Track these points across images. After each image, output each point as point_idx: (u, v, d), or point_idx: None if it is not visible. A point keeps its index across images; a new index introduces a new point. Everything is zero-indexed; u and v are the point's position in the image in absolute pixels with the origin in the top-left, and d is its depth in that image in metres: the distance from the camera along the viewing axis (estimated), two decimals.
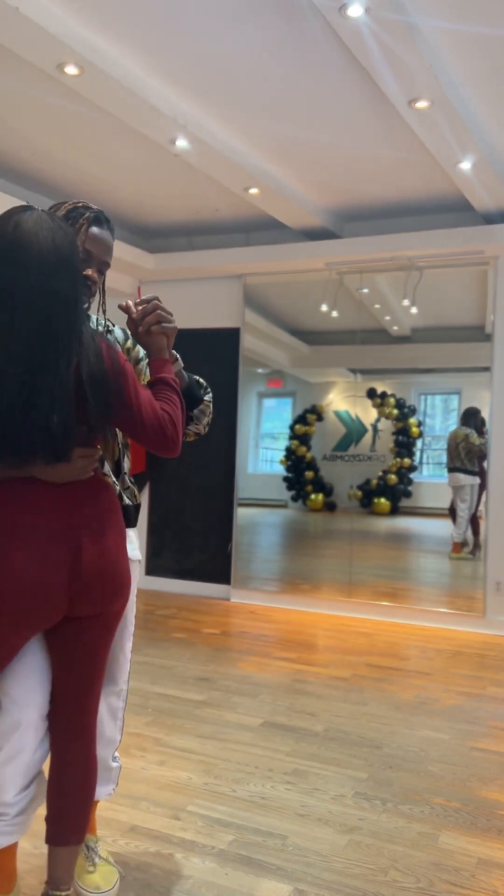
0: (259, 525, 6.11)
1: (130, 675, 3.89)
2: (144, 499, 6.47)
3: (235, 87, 3.63)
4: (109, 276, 6.04)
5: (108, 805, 2.50)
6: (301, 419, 6.03)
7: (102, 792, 2.06)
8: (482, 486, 5.50)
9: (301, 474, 6.04)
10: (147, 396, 1.68)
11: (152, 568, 6.44)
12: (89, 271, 1.79)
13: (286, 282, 5.95)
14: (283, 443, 6.09)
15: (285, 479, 6.10)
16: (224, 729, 3.20)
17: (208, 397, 2.08)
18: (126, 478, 1.97)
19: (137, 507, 2.01)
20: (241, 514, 6.11)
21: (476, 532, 5.55)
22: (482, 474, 5.47)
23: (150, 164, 4.63)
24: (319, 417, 5.97)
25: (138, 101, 3.58)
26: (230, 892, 2.04)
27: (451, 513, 5.56)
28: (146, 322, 1.80)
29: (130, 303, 1.82)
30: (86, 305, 1.83)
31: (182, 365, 1.97)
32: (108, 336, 1.96)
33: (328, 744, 3.08)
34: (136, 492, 2.01)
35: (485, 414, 5.37)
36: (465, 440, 5.47)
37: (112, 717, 2.03)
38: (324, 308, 5.83)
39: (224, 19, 3.06)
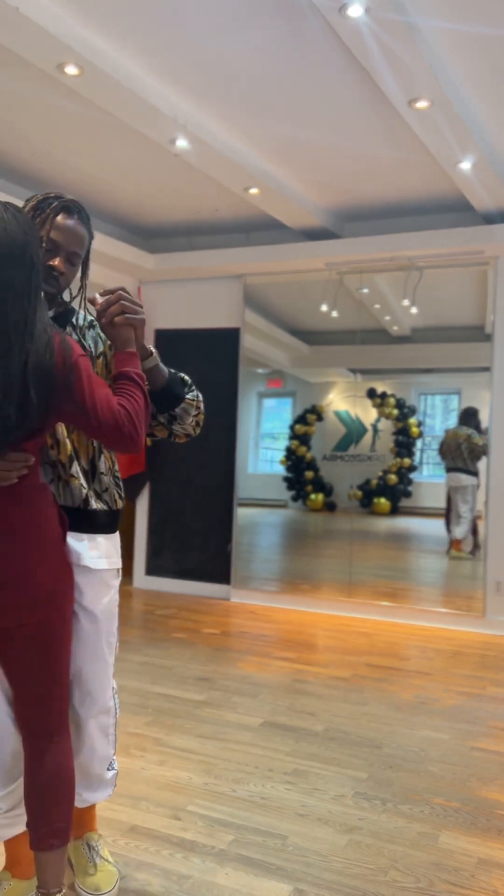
0: (259, 525, 6.11)
1: (128, 677, 3.89)
2: (144, 499, 6.47)
3: (235, 87, 3.63)
4: (109, 276, 6.04)
5: (108, 805, 2.50)
6: (301, 419, 6.03)
7: (100, 796, 2.01)
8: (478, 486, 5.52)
9: (301, 474, 6.04)
10: (104, 392, 1.62)
11: (152, 568, 6.44)
12: (55, 261, 1.75)
13: (286, 282, 5.95)
14: (283, 443, 6.10)
15: (285, 479, 6.10)
16: (224, 729, 3.20)
17: (192, 395, 1.98)
18: (105, 479, 1.89)
19: (113, 512, 1.90)
20: (241, 514, 6.11)
21: (475, 532, 5.55)
22: (478, 474, 5.48)
23: (150, 164, 4.63)
24: (319, 417, 5.97)
25: (138, 101, 3.59)
26: (230, 892, 2.04)
27: (447, 513, 5.56)
28: (109, 313, 1.74)
29: (97, 295, 1.78)
30: (56, 296, 1.80)
31: (158, 360, 1.90)
32: (91, 330, 1.92)
33: (328, 744, 3.08)
34: (118, 495, 1.93)
35: (484, 414, 5.37)
36: (468, 440, 5.47)
37: (104, 735, 1.95)
38: (324, 308, 5.83)
39: (224, 19, 3.06)
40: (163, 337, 6.43)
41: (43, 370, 1.54)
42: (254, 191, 4.74)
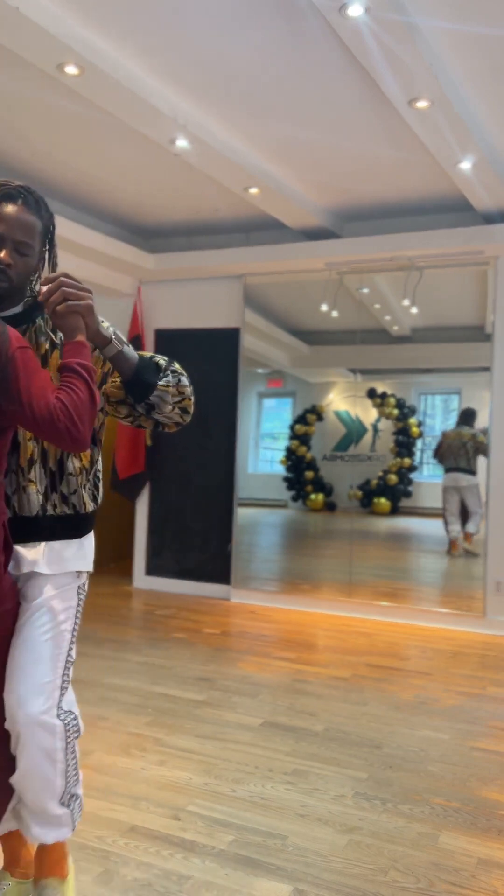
0: (259, 525, 6.11)
1: (128, 677, 3.89)
2: (144, 499, 6.46)
3: (235, 87, 3.63)
4: (109, 276, 6.04)
5: (108, 805, 2.50)
6: (301, 419, 6.03)
7: (51, 836, 1.73)
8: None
9: (301, 474, 6.04)
10: (40, 385, 1.54)
11: (152, 568, 6.44)
12: (1, 254, 1.65)
13: (286, 282, 5.95)
14: (283, 443, 6.10)
15: (285, 479, 6.10)
16: (224, 729, 3.20)
17: (166, 380, 1.81)
18: (73, 480, 1.77)
19: (81, 516, 1.79)
20: (241, 514, 6.11)
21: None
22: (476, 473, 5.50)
23: (150, 164, 4.63)
24: (319, 417, 5.97)
25: (138, 101, 3.58)
26: (230, 892, 2.04)
27: (444, 513, 5.57)
28: (51, 302, 1.63)
29: (41, 283, 1.66)
30: (9, 291, 1.70)
31: (120, 347, 1.76)
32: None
33: (328, 744, 3.08)
34: (91, 496, 1.82)
35: (484, 413, 5.37)
36: (474, 439, 5.48)
37: (47, 759, 1.65)
38: (324, 308, 5.83)
39: (224, 19, 3.06)
40: (163, 337, 6.43)
41: None
42: (254, 191, 4.74)
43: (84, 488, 1.79)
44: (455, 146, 3.95)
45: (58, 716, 1.67)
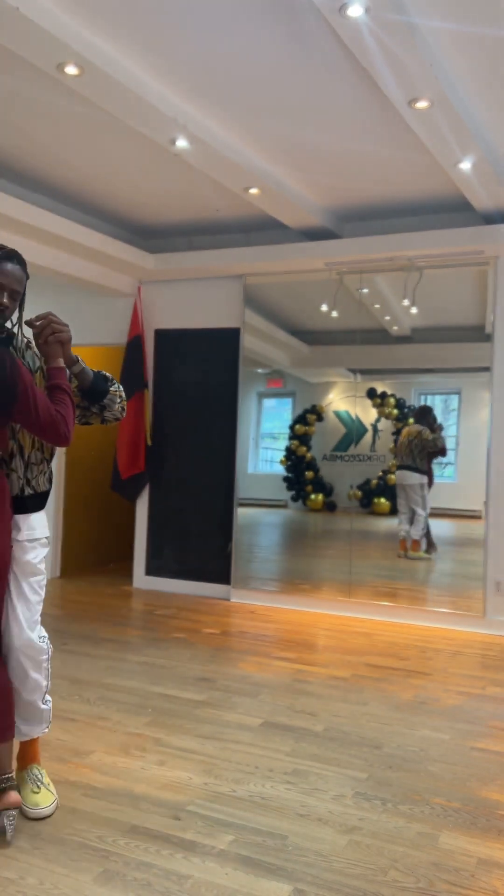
0: (259, 525, 6.11)
1: (128, 677, 3.89)
2: (144, 499, 6.47)
3: (235, 87, 3.63)
4: (109, 276, 6.06)
5: (108, 805, 2.50)
6: (301, 419, 6.03)
7: (36, 730, 2.49)
8: (430, 485, 5.56)
9: (301, 474, 6.04)
10: (44, 399, 2.17)
11: (152, 568, 6.44)
12: (2, 298, 2.23)
13: (286, 282, 5.95)
14: (283, 443, 6.10)
15: (285, 479, 6.10)
16: (224, 729, 3.20)
17: (114, 387, 2.55)
18: (35, 468, 2.41)
19: (40, 494, 2.44)
20: (241, 514, 6.11)
21: (427, 531, 5.59)
22: (430, 474, 5.52)
23: (151, 164, 4.63)
24: (319, 417, 5.97)
25: (138, 101, 3.59)
26: (230, 892, 2.04)
27: (398, 511, 5.64)
28: (44, 334, 2.30)
29: (32, 319, 2.29)
30: (1, 326, 2.30)
31: (83, 365, 2.45)
32: (28, 350, 2.42)
33: (328, 744, 3.08)
34: (45, 481, 2.45)
35: (484, 414, 5.37)
36: (419, 436, 5.50)
37: (36, 667, 2.43)
38: (324, 308, 5.83)
39: (224, 19, 3.06)
40: (163, 337, 6.44)
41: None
42: (254, 191, 4.74)
43: (44, 474, 2.45)
44: (455, 146, 3.95)
45: (40, 639, 2.44)
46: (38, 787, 2.47)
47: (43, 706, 2.49)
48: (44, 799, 2.44)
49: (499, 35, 3.12)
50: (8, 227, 4.97)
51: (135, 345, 6.31)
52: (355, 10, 2.74)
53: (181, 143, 4.04)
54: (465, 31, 3.09)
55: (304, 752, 2.98)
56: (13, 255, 2.27)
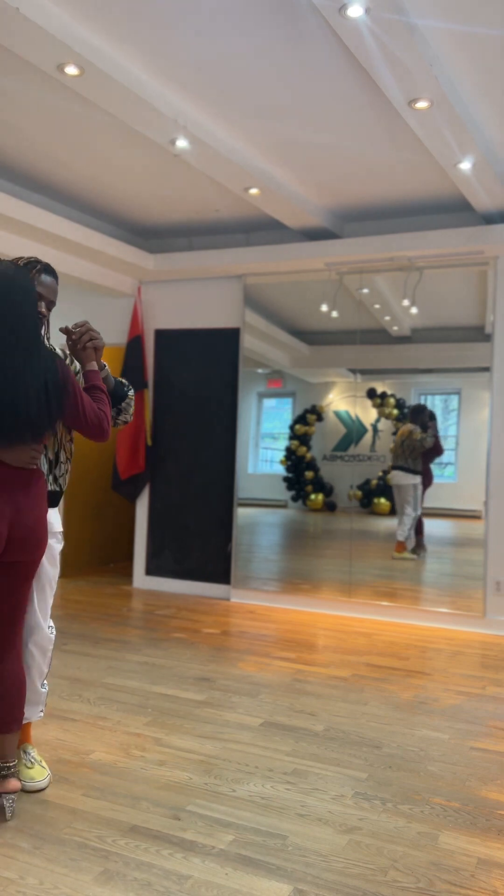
0: (259, 525, 6.12)
1: (128, 677, 3.89)
2: (144, 499, 6.47)
3: (236, 88, 3.63)
4: (109, 276, 6.06)
5: (108, 805, 2.50)
6: (301, 419, 6.03)
7: (33, 713, 2.67)
8: (426, 485, 5.55)
9: (301, 474, 6.04)
10: (88, 399, 2.38)
11: (152, 568, 6.44)
12: (41, 308, 2.43)
13: (286, 282, 5.95)
14: (283, 443, 6.10)
15: (285, 479, 6.10)
16: (224, 729, 3.20)
17: (131, 393, 2.78)
18: (62, 467, 2.57)
19: (61, 492, 2.61)
20: (241, 514, 6.11)
21: (420, 532, 5.58)
22: (426, 474, 5.52)
23: (151, 164, 4.63)
24: (319, 417, 5.98)
25: (138, 102, 3.59)
26: (230, 892, 2.04)
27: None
28: (82, 341, 2.49)
29: (69, 326, 2.47)
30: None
31: (108, 372, 2.65)
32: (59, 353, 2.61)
33: (328, 744, 3.08)
34: (66, 480, 2.62)
35: (484, 413, 5.37)
36: (409, 436, 5.50)
37: (42, 654, 2.64)
38: (324, 308, 5.84)
39: (224, 20, 3.07)
40: (163, 337, 6.44)
41: (57, 384, 2.23)
42: (254, 191, 4.74)
43: (65, 473, 2.61)
44: (455, 146, 3.95)
45: (49, 629, 2.66)
46: (32, 763, 2.63)
47: (42, 689, 2.68)
48: (38, 773, 2.60)
49: (499, 35, 3.12)
50: (8, 227, 4.97)
51: (135, 345, 6.31)
52: (355, 11, 2.75)
53: (181, 143, 4.04)
54: (465, 31, 3.09)
55: (304, 752, 2.99)
56: (50, 269, 2.46)
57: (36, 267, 2.41)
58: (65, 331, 2.49)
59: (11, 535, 2.28)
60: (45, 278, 2.43)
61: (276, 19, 3.04)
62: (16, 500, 2.27)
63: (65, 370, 2.27)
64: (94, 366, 2.50)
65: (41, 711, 2.70)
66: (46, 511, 2.38)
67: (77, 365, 2.66)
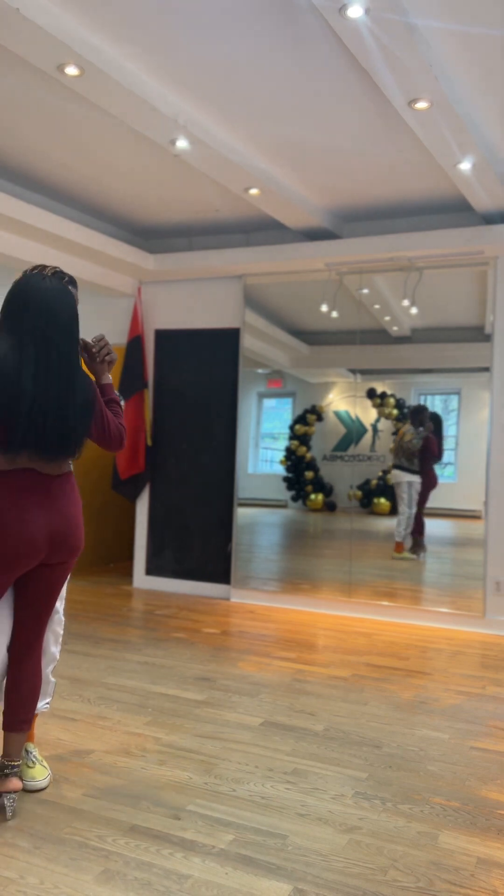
0: (259, 525, 6.12)
1: (128, 676, 3.89)
2: (144, 499, 6.47)
3: (236, 88, 3.63)
4: (109, 276, 6.06)
5: (108, 805, 2.50)
6: (301, 419, 6.03)
7: (40, 705, 2.69)
8: (427, 486, 5.55)
9: (301, 474, 6.04)
10: (110, 413, 2.49)
11: (152, 568, 6.44)
12: None
13: (286, 282, 5.96)
14: (283, 443, 6.10)
15: (285, 479, 6.10)
16: (224, 729, 3.21)
17: (122, 403, 2.82)
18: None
19: None
20: (241, 514, 6.11)
21: (420, 532, 5.58)
22: (428, 475, 5.53)
23: (151, 164, 4.64)
24: (319, 417, 5.98)
25: (138, 102, 3.59)
26: (230, 892, 2.04)
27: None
28: (101, 355, 2.55)
29: (88, 340, 2.54)
30: None
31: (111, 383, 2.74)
32: None
33: (328, 744, 3.08)
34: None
35: (484, 414, 5.37)
36: (402, 437, 5.53)
37: (55, 640, 2.70)
38: (324, 308, 5.84)
39: (224, 20, 3.07)
40: (163, 337, 6.44)
41: (89, 401, 2.35)
42: (254, 191, 4.74)
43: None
44: (454, 147, 3.95)
45: (62, 611, 2.74)
46: (34, 762, 2.64)
47: (52, 679, 2.73)
48: (39, 773, 2.62)
49: (499, 35, 3.12)
50: (8, 227, 4.97)
51: (135, 345, 6.31)
52: (355, 11, 2.75)
53: (181, 143, 4.04)
54: (465, 31, 3.09)
55: (304, 752, 2.99)
56: (73, 280, 2.50)
57: (64, 279, 2.40)
58: (83, 345, 2.54)
59: (53, 538, 2.34)
60: (73, 291, 2.45)
61: (276, 20, 3.04)
62: (52, 504, 2.34)
63: (94, 387, 2.38)
64: (108, 379, 2.58)
65: (48, 703, 2.72)
66: (80, 508, 2.44)
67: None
